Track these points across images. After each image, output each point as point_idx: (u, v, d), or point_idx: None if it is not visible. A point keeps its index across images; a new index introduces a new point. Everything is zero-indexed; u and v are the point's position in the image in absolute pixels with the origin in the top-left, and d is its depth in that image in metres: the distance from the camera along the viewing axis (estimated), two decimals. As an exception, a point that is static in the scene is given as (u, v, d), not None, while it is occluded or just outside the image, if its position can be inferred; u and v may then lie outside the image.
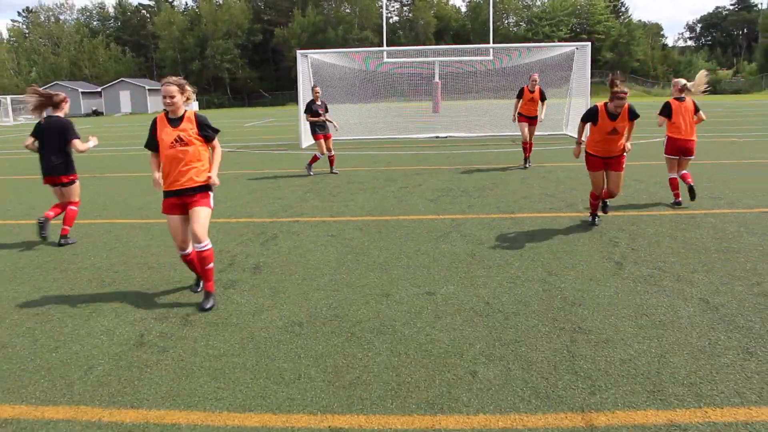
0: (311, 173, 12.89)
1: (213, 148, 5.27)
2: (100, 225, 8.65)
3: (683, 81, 8.67)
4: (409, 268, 6.09)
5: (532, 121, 12.94)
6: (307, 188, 11.28)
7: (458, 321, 4.68)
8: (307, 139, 18.89)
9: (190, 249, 5.24)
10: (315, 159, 13.09)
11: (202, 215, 5.03)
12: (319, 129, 12.64)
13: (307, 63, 19.49)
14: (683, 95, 8.54)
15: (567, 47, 20.88)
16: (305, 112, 13.03)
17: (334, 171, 13.05)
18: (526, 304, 4.99)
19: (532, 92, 12.74)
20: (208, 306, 5.04)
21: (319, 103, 12.54)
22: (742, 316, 4.61)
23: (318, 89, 12.66)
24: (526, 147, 13.10)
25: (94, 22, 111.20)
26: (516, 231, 7.53)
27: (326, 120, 12.84)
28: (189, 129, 5.03)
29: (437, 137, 21.58)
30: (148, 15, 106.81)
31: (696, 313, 4.71)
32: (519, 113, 12.98)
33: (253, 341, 4.44)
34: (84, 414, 3.52)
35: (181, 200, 5.12)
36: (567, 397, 3.52)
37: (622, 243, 6.86)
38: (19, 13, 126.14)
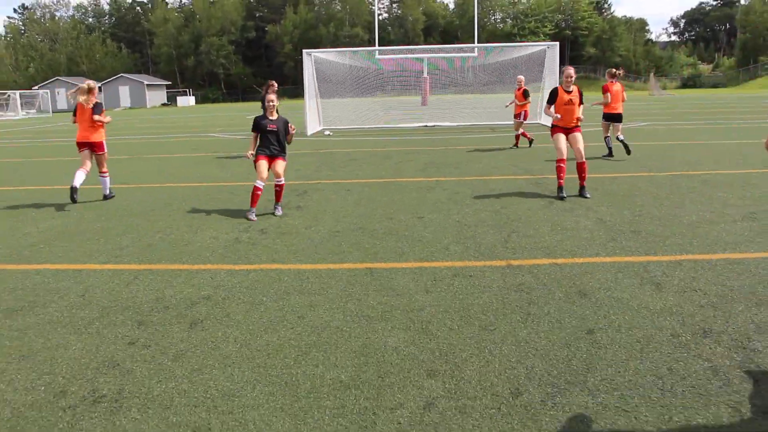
0: (251, 217, 8.42)
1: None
2: (165, 188, 11.29)
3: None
4: (405, 206, 8.79)
5: (573, 130, 9.44)
6: (319, 163, 13.95)
7: (438, 229, 7.40)
8: (311, 127, 21.53)
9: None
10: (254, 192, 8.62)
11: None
12: (261, 149, 8.63)
13: (311, 61, 22.10)
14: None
15: (539, 47, 23.59)
16: (252, 130, 8.75)
17: (276, 210, 8.69)
18: (483, 222, 7.72)
19: (569, 92, 9.33)
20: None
21: (273, 117, 8.56)
22: (619, 226, 7.34)
23: (272, 96, 8.47)
24: (562, 167, 9.29)
25: (90, 19, 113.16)
26: (483, 186, 10.24)
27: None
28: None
29: (425, 126, 24.27)
30: (141, 12, 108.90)
31: (590, 224, 7.44)
32: (553, 124, 9.54)
33: (310, 239, 7.14)
34: (223, 267, 6.19)
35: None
36: (500, 255, 6.23)
37: (555, 188, 9.59)
38: (15, 10, 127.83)
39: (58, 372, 3.97)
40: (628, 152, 13.19)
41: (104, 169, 10.27)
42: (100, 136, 10.00)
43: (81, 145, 9.98)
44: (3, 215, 9.11)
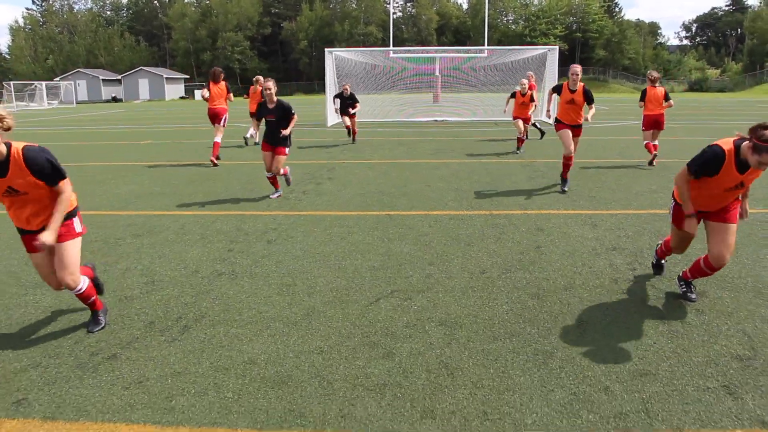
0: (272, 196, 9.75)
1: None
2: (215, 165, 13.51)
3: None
4: (416, 178, 10.95)
5: (575, 130, 9.54)
6: (342, 149, 16.13)
7: (442, 192, 9.58)
8: (331, 119, 23.71)
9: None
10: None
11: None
12: (265, 136, 9.51)
13: (332, 59, 24.30)
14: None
15: (542, 50, 25.69)
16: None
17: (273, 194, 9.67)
18: (476, 188, 9.88)
19: (572, 91, 9.29)
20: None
21: (271, 106, 9.17)
22: (581, 192, 9.47)
23: (269, 84, 9.13)
24: (569, 165, 9.63)
25: (108, 12, 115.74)
26: (481, 167, 12.38)
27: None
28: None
29: (435, 120, 26.40)
30: (158, 6, 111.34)
31: (559, 192, 9.60)
32: (558, 119, 9.62)
33: (342, 198, 9.32)
34: (279, 213, 8.36)
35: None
36: (485, 208, 8.39)
37: (539, 169, 11.74)
38: (33, 1, 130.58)
39: (189, 262, 6.17)
40: (542, 136, 17.57)
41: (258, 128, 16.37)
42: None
43: (252, 114, 15.69)
44: (96, 182, 11.34)
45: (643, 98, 12.22)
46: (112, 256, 6.44)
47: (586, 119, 9.42)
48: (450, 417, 3.30)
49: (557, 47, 24.05)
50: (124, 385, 3.68)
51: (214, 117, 13.38)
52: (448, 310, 4.77)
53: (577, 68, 9.23)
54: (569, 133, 9.47)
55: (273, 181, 9.43)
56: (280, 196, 9.48)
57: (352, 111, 17.02)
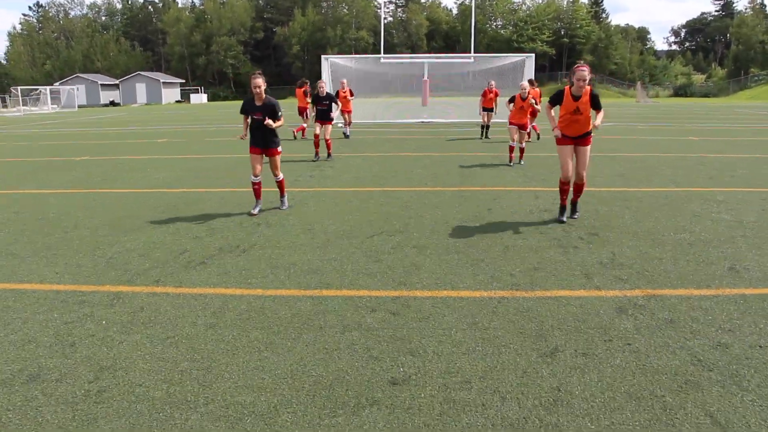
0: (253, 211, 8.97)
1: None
2: (233, 157, 15.81)
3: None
4: (402, 166, 13.30)
5: (581, 140, 7.99)
6: (339, 144, 18.47)
7: (422, 176, 11.93)
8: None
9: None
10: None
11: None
12: (252, 139, 8.86)
13: (328, 64, 26.68)
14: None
15: (518, 57, 28.17)
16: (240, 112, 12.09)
17: (282, 205, 9.24)
18: (450, 173, 12.24)
19: (576, 98, 7.63)
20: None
21: (260, 104, 8.53)
22: (534, 176, 11.85)
23: (258, 81, 8.37)
24: (566, 189, 8.15)
25: (103, 17, 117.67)
26: (457, 157, 14.72)
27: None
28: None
29: (422, 121, 28.81)
30: (153, 11, 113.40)
31: (516, 176, 11.95)
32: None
33: (343, 180, 11.67)
34: (295, 189, 10.71)
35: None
36: (455, 186, 10.82)
37: (505, 160, 14.13)
38: (30, 8, 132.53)
39: (234, 218, 8.48)
40: (486, 137, 20.17)
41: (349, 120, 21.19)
42: (348, 107, 20.66)
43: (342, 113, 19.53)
44: (135, 170, 13.64)
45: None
46: (176, 214, 8.77)
47: (595, 126, 7.67)
48: (415, 284, 5.65)
49: (533, 55, 26.47)
50: (217, 273, 6.02)
51: (300, 111, 20.85)
52: (419, 241, 7.14)
53: (585, 71, 7.44)
54: (569, 150, 7.87)
55: (281, 186, 9.10)
56: (286, 207, 9.16)
57: (333, 113, 14.61)
